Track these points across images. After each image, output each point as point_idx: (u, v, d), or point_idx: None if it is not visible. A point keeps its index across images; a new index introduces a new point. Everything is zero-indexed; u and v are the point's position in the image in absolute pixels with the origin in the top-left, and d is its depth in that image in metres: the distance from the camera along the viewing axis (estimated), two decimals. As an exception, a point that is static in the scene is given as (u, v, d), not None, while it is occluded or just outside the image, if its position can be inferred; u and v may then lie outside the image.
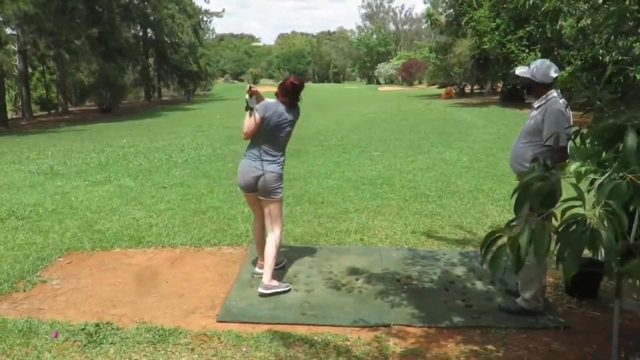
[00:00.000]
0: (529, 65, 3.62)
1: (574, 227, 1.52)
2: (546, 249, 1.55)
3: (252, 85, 4.36)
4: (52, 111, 30.55)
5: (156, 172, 8.91)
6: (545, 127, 3.38)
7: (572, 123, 3.36)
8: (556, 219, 1.69)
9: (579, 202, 1.63)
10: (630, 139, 1.49)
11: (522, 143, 3.56)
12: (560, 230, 1.58)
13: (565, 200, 1.68)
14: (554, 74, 3.44)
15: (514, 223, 1.68)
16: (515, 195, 1.68)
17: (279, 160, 3.98)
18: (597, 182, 1.63)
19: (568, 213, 1.63)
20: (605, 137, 1.64)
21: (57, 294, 4.03)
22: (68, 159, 10.70)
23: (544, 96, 3.48)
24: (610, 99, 2.44)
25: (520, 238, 1.56)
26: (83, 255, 4.90)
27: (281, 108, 3.93)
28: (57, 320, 3.54)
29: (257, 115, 3.87)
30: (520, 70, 3.62)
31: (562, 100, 3.41)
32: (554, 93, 3.46)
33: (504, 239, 1.67)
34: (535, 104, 3.54)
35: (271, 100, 4.01)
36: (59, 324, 3.48)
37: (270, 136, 3.95)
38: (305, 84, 4.23)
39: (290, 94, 3.95)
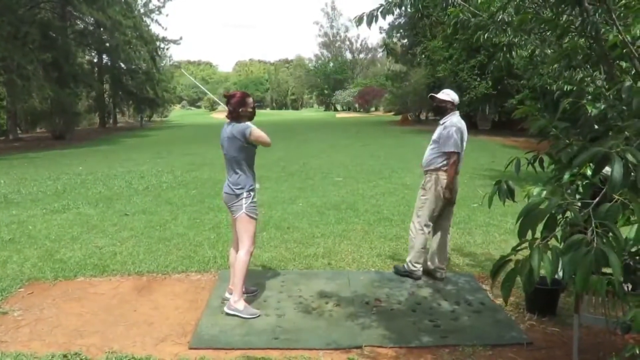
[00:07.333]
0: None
1: (578, 248, 1.66)
2: (555, 268, 1.69)
3: None
4: (2, 138, 29.50)
5: (117, 200, 8.75)
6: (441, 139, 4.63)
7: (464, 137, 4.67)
8: (557, 240, 1.84)
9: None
10: (617, 166, 1.64)
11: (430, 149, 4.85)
12: (565, 251, 1.73)
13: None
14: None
15: (520, 247, 1.82)
16: (520, 220, 1.82)
17: (232, 180, 4.06)
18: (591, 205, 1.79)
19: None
20: (592, 163, 1.80)
21: (20, 326, 3.91)
22: (22, 187, 10.37)
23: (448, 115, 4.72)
24: (564, 127, 2.66)
25: (531, 261, 1.70)
26: (45, 285, 4.77)
27: (225, 127, 4.11)
28: (21, 352, 3.44)
29: None
30: (441, 95, 4.76)
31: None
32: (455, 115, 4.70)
33: (512, 264, 1.81)
34: (441, 121, 4.77)
35: None
36: (23, 356, 3.39)
37: (225, 156, 4.13)
38: (263, 111, 4.35)
39: (227, 107, 4.08)
